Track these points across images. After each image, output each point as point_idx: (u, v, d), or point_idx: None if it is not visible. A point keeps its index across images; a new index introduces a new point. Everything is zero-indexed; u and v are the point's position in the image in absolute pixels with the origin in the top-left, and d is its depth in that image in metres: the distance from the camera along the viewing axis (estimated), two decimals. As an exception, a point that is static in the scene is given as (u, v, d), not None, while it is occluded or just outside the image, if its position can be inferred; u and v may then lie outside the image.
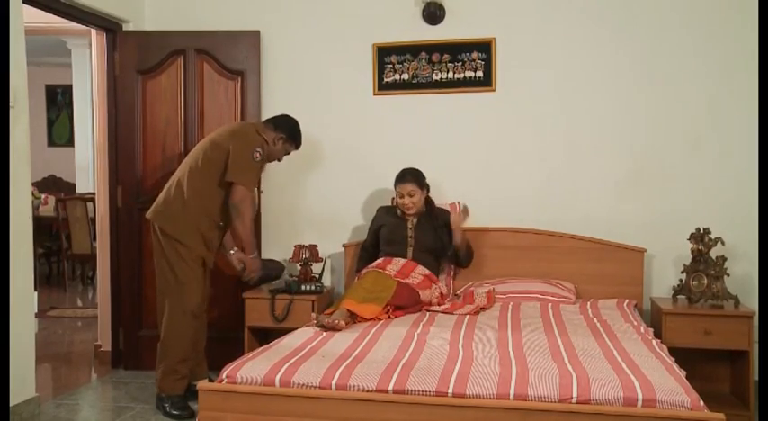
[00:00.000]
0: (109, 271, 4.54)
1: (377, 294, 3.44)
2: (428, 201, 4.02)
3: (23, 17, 3.54)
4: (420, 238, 3.93)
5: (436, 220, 3.97)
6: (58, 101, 10.29)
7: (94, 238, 6.09)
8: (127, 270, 4.39)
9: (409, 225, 3.96)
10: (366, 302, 3.38)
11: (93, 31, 4.53)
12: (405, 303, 3.54)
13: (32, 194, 3.73)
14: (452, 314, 3.49)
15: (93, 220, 6.04)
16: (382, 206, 4.15)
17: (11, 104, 3.38)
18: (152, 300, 4.29)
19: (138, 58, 4.35)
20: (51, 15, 4.08)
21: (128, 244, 4.40)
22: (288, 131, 3.78)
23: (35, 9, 3.88)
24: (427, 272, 3.80)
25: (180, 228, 3.59)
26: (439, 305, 3.69)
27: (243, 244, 3.73)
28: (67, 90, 9.27)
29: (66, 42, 8.26)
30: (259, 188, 4.38)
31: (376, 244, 4.05)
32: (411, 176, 3.96)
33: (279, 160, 3.87)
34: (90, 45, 4.78)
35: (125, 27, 4.43)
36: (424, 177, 3.99)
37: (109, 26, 4.37)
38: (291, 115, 3.87)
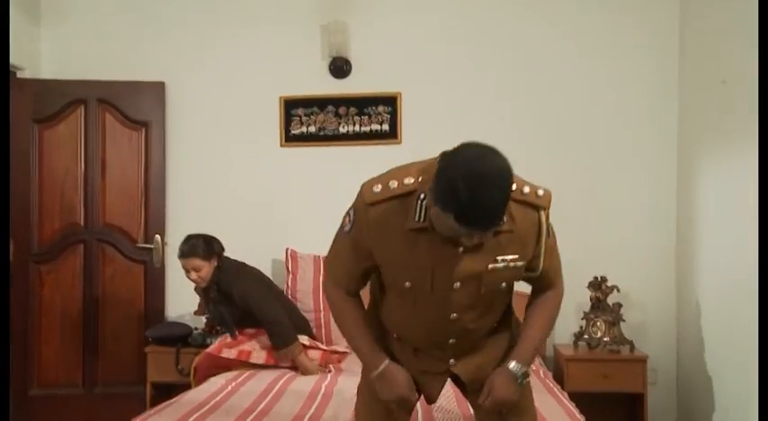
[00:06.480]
0: (-1, 327, 4.28)
1: None
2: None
3: None
4: None
5: None
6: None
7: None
8: (19, 324, 4.16)
9: None
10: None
11: (-14, 78, 4.37)
12: None
13: None
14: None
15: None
16: None
17: None
18: (45, 357, 4.20)
19: (33, 106, 4.22)
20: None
21: (21, 299, 4.17)
22: (436, 189, 1.76)
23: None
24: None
25: None
26: None
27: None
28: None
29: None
30: (163, 239, 4.26)
31: None
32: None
33: (459, 242, 1.84)
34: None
35: (19, 74, 4.28)
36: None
37: (3, 73, 4.23)
38: (464, 159, 1.85)
